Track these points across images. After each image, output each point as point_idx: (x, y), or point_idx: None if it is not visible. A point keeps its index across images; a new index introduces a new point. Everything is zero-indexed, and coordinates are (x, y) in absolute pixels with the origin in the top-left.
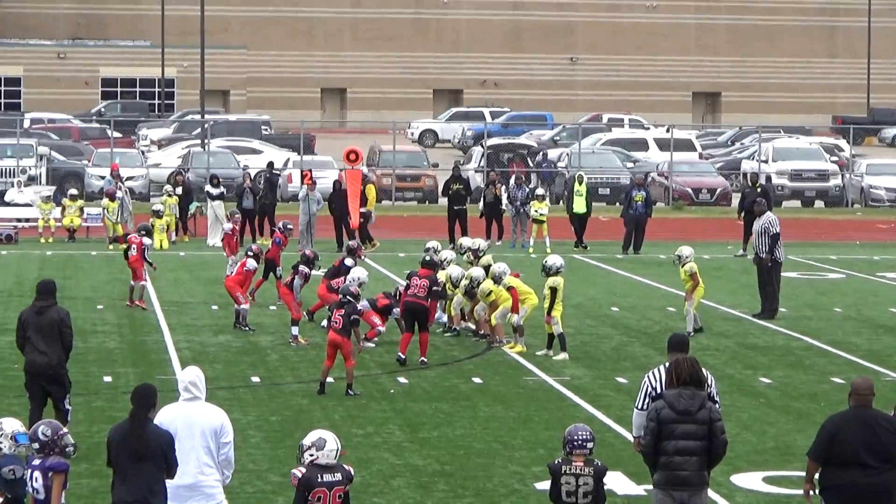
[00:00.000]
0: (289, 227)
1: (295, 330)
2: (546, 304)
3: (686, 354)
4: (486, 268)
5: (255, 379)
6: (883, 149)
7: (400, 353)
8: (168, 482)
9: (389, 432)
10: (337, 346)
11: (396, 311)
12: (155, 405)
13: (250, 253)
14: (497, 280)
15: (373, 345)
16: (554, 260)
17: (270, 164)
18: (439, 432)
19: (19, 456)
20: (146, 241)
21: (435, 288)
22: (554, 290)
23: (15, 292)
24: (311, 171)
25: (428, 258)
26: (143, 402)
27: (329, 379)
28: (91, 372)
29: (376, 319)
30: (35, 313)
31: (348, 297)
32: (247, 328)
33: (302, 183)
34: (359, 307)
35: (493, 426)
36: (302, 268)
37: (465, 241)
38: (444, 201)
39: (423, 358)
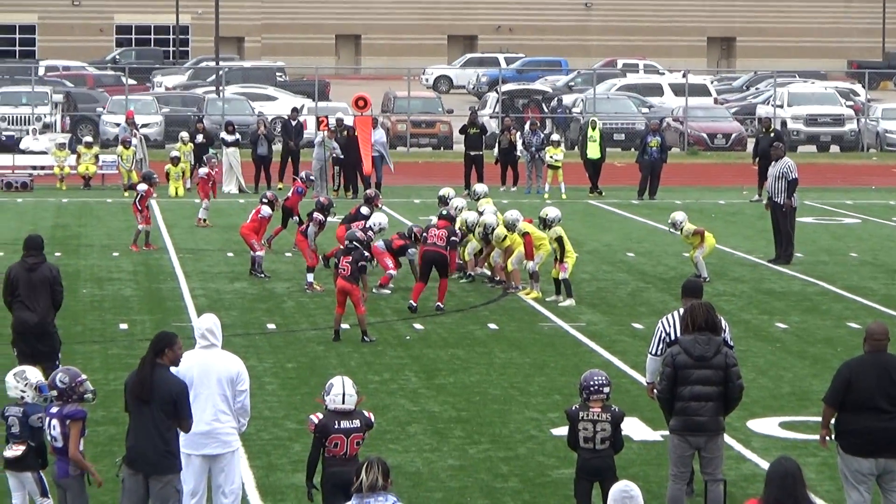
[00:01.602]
0: (311, 177)
1: (310, 277)
2: (558, 255)
3: (701, 300)
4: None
5: (271, 326)
6: None
7: (412, 301)
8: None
9: (405, 379)
10: (346, 293)
11: (412, 251)
12: (164, 350)
13: (265, 200)
14: (511, 227)
15: (388, 292)
16: (550, 212)
17: (295, 110)
18: (455, 378)
19: (43, 405)
20: (140, 188)
21: (453, 238)
22: (560, 240)
23: None
24: (327, 117)
25: (445, 212)
26: (152, 347)
27: (344, 325)
28: (107, 319)
29: (389, 262)
30: (26, 270)
31: (354, 242)
32: (262, 275)
33: (318, 129)
34: (366, 253)
35: (509, 372)
36: (316, 215)
37: (479, 188)
38: (459, 147)
39: (439, 303)
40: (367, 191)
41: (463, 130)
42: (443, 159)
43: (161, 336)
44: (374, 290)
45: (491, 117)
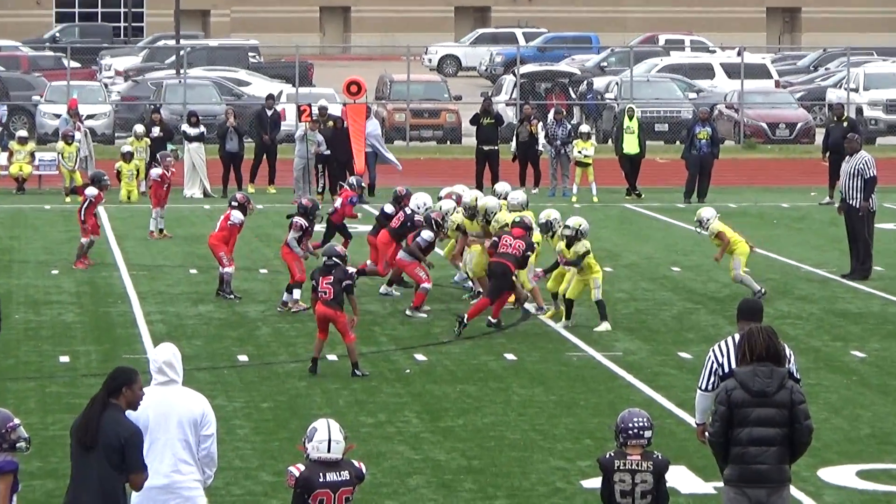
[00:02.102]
0: (361, 183)
1: (296, 294)
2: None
3: (760, 323)
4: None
5: (243, 357)
6: None
7: (490, 318)
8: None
9: (405, 421)
10: (329, 320)
11: (426, 235)
12: (122, 389)
13: (234, 203)
14: (547, 229)
15: (424, 315)
16: (580, 223)
17: (270, 98)
18: (465, 420)
19: None
20: (88, 192)
21: (528, 253)
22: (586, 255)
23: None
24: (310, 105)
25: (518, 219)
26: (107, 384)
27: (331, 356)
28: (45, 351)
29: (421, 273)
30: None
31: (334, 258)
32: (231, 296)
33: (299, 120)
34: (350, 270)
35: (531, 412)
36: (297, 220)
37: (501, 187)
38: (469, 141)
39: (492, 318)
40: (398, 188)
41: (474, 121)
42: (450, 155)
43: (119, 372)
44: (407, 314)
45: (507, 105)
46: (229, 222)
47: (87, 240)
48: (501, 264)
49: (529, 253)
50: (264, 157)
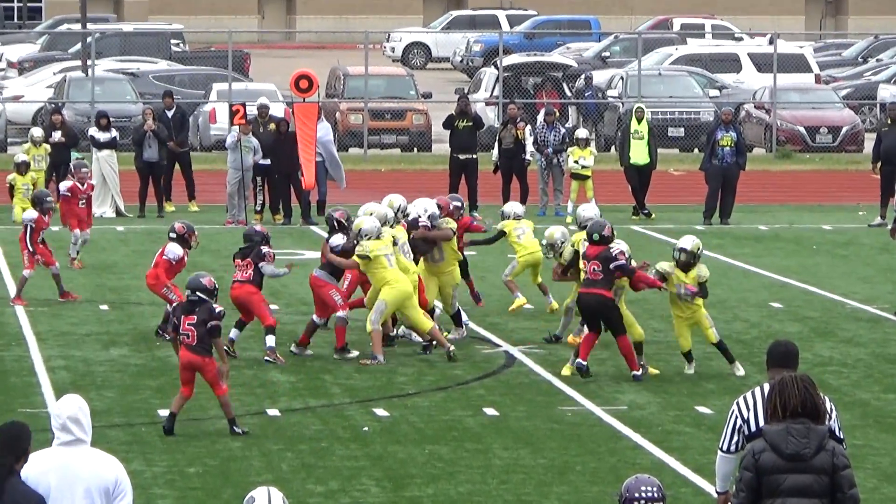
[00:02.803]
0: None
1: (271, 341)
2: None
3: (795, 370)
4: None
5: (165, 412)
6: None
7: (581, 361)
8: None
9: (363, 489)
10: (195, 369)
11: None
12: (27, 453)
13: (172, 234)
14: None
15: (352, 355)
16: (556, 232)
17: (168, 94)
18: (435, 489)
19: None
20: (26, 216)
21: (614, 265)
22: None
23: None
24: (244, 105)
25: (597, 237)
26: (8, 449)
27: (272, 411)
28: None
29: (337, 297)
30: None
31: (198, 293)
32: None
33: (231, 123)
34: (217, 308)
35: (516, 479)
36: (266, 249)
37: (512, 208)
38: (441, 148)
39: (636, 372)
40: (335, 212)
41: (448, 123)
42: (418, 165)
43: (19, 430)
44: (335, 357)
45: (488, 104)
46: (165, 256)
47: (30, 272)
48: (595, 296)
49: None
50: (175, 167)
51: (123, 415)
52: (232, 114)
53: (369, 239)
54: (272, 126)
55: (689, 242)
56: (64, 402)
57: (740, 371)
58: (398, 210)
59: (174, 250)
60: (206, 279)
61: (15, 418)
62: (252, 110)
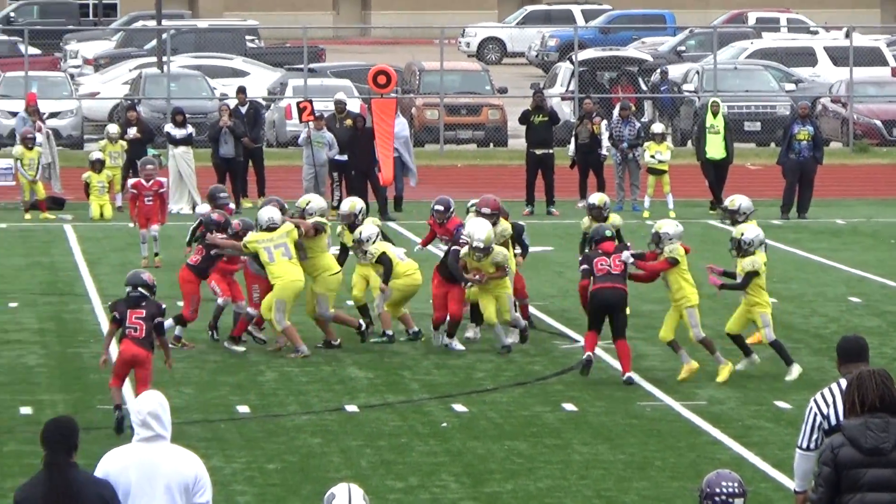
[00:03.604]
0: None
1: (178, 330)
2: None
3: (867, 364)
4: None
5: (244, 409)
6: None
7: (589, 353)
8: None
9: (442, 485)
10: (136, 363)
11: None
12: (77, 446)
13: (230, 231)
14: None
15: (239, 349)
16: (753, 232)
17: (241, 91)
18: (514, 484)
19: None
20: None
21: (633, 262)
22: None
23: None
24: (311, 101)
25: (609, 233)
26: (59, 443)
27: (351, 407)
28: (1, 401)
29: (217, 286)
30: None
31: (140, 289)
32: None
33: (300, 120)
34: (162, 305)
35: (595, 474)
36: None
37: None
38: (517, 143)
39: (628, 374)
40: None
41: (523, 119)
42: (493, 161)
43: (66, 424)
44: (225, 345)
45: (563, 99)
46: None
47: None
48: (613, 290)
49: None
50: (249, 163)
51: (202, 411)
52: (300, 111)
53: (262, 230)
54: (349, 122)
55: (749, 233)
56: (144, 398)
57: (793, 375)
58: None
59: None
60: (146, 275)
61: (91, 415)
62: (321, 106)
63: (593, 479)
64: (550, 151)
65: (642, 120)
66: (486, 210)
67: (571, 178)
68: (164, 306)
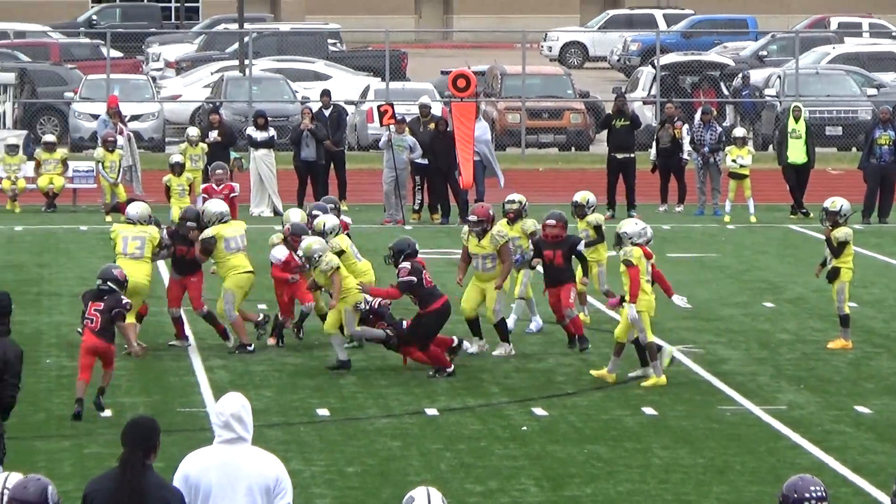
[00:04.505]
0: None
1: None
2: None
3: None
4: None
5: (323, 412)
6: None
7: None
8: None
9: (521, 489)
10: (97, 353)
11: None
12: (156, 448)
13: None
14: (620, 241)
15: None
16: (628, 228)
17: (325, 94)
18: (594, 488)
19: None
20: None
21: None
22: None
23: None
24: (391, 105)
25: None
26: (138, 443)
27: (431, 410)
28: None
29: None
30: None
31: (109, 283)
32: (299, 336)
33: (381, 124)
34: (123, 299)
35: (675, 478)
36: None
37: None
38: (599, 148)
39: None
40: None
41: (605, 123)
42: (575, 165)
43: (146, 425)
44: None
45: (645, 103)
46: (269, 258)
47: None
48: None
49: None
50: (331, 166)
51: (282, 414)
52: (381, 114)
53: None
54: (432, 125)
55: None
56: (227, 399)
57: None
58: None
59: (276, 254)
60: (118, 271)
61: (171, 417)
62: (403, 109)
63: (673, 484)
64: (632, 155)
65: (724, 124)
66: (472, 217)
67: (653, 182)
68: (126, 302)
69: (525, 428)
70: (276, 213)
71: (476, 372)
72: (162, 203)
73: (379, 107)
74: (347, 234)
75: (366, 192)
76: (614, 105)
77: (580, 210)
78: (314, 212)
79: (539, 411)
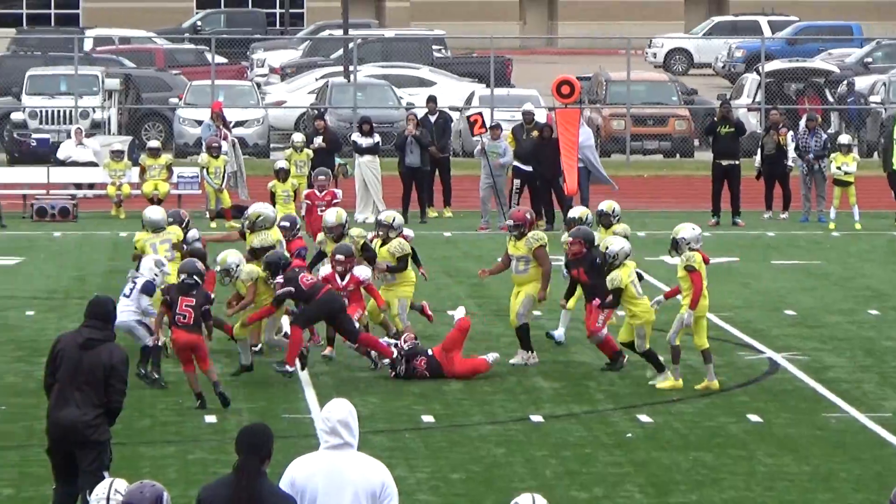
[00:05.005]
0: None
1: None
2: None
3: None
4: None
5: (428, 418)
6: None
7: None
8: None
9: (626, 496)
10: (191, 348)
11: None
12: (270, 455)
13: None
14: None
15: (290, 370)
16: (614, 244)
17: (432, 100)
18: (699, 495)
19: None
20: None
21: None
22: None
23: (74, 293)
24: (480, 114)
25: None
26: (253, 449)
27: (536, 417)
28: (187, 409)
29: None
30: (79, 346)
31: (195, 277)
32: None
33: (472, 134)
34: (210, 294)
35: (780, 486)
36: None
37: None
38: (703, 154)
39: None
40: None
41: (710, 129)
42: (679, 171)
43: (261, 432)
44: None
45: (750, 110)
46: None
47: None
48: None
49: None
50: (435, 173)
51: (387, 420)
52: (471, 124)
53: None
54: (535, 133)
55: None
56: (334, 406)
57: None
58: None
59: (362, 272)
60: (200, 264)
61: (276, 423)
62: (508, 116)
63: (778, 491)
64: (736, 162)
65: (828, 131)
66: (509, 222)
67: (757, 189)
68: (211, 295)
69: (630, 435)
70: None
71: (581, 379)
72: None
73: (468, 117)
74: (413, 248)
75: (470, 199)
76: (719, 112)
77: (605, 219)
78: (282, 223)
79: (644, 418)
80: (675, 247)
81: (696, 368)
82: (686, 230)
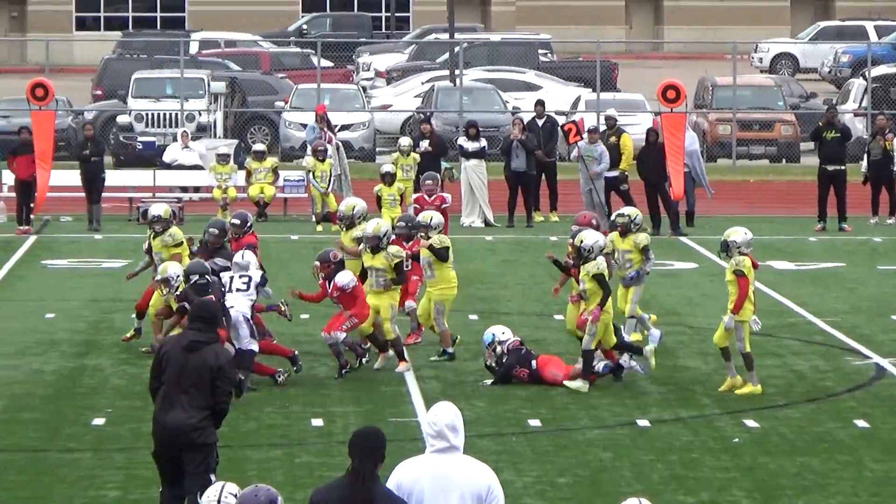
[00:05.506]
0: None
1: None
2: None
3: None
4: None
5: (535, 422)
6: None
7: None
8: None
9: (733, 501)
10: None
11: None
12: (384, 458)
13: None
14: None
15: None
16: (587, 238)
17: (540, 104)
18: (807, 501)
19: None
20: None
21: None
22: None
23: None
24: (574, 123)
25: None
26: (368, 453)
27: (642, 422)
28: (293, 412)
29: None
30: (184, 349)
31: (205, 277)
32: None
33: (567, 142)
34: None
35: (888, 492)
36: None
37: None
38: (809, 160)
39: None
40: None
41: (816, 135)
42: (785, 177)
43: (376, 435)
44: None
45: (856, 115)
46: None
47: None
48: None
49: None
50: (542, 178)
51: (493, 424)
52: (565, 133)
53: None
54: (613, 139)
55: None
56: (440, 409)
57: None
58: None
59: (342, 279)
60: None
61: (382, 427)
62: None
63: (886, 497)
64: (843, 168)
65: None
66: (574, 228)
67: (864, 194)
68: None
69: (737, 440)
70: (487, 223)
71: (688, 383)
72: (373, 212)
73: (562, 126)
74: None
75: (577, 203)
76: (825, 117)
77: (626, 226)
78: (233, 220)
79: (750, 423)
80: (726, 249)
81: (802, 373)
82: (738, 234)
